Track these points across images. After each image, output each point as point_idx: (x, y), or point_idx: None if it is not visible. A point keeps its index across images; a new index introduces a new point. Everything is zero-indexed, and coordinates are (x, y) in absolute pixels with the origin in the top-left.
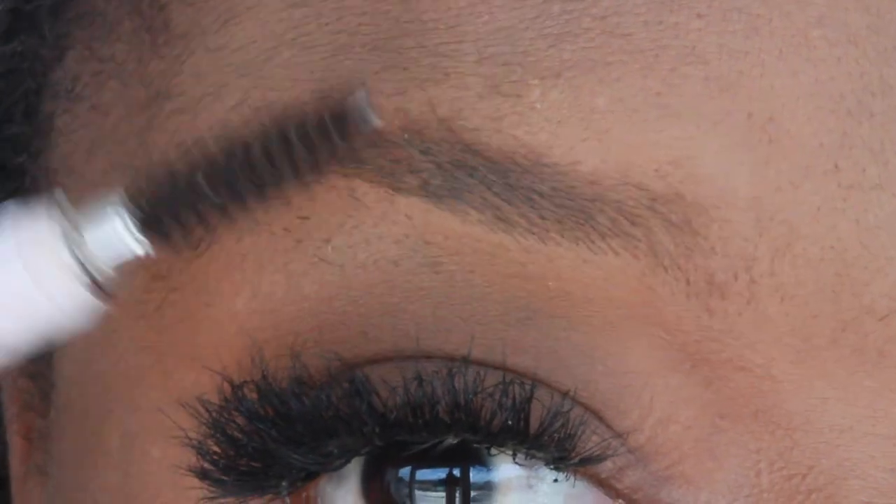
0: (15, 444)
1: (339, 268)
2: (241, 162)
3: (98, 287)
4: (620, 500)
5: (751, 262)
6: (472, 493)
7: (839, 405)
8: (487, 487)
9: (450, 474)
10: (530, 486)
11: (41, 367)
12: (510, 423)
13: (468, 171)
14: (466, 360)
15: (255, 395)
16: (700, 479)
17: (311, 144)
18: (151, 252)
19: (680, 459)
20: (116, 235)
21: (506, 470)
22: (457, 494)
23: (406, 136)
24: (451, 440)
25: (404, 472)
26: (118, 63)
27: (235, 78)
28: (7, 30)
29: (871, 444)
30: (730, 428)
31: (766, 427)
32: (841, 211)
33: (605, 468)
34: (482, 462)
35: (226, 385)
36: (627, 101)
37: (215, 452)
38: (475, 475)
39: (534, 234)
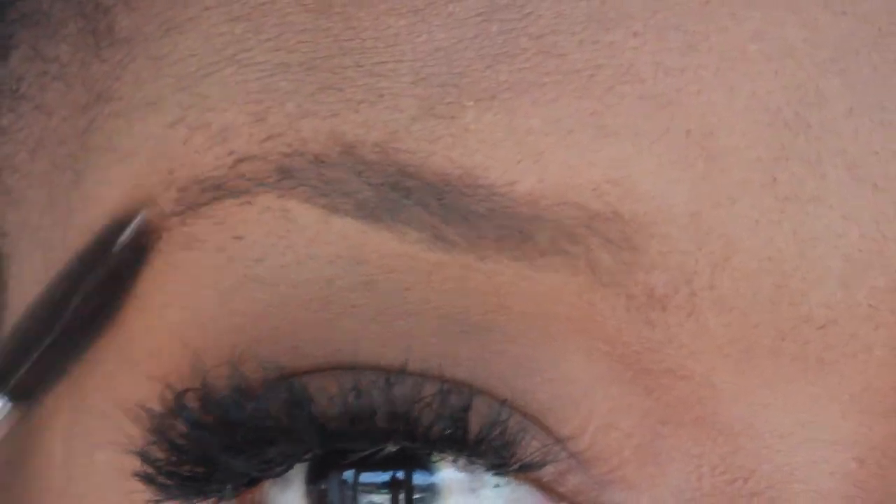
0: None
1: (272, 286)
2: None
3: None
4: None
5: (691, 276)
6: (416, 496)
7: (780, 412)
8: (431, 490)
9: (393, 477)
10: (473, 490)
11: None
12: (448, 431)
13: (404, 193)
14: (403, 371)
15: (196, 404)
16: (642, 484)
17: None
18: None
19: (621, 465)
20: None
21: (448, 473)
22: (401, 497)
23: (340, 158)
24: (391, 448)
25: (348, 475)
26: (62, 64)
27: (173, 91)
28: None
29: (812, 448)
30: (671, 434)
31: (708, 433)
32: (778, 223)
33: (547, 472)
34: (424, 466)
35: (167, 392)
36: (563, 121)
37: (158, 458)
38: (418, 478)
39: (472, 252)
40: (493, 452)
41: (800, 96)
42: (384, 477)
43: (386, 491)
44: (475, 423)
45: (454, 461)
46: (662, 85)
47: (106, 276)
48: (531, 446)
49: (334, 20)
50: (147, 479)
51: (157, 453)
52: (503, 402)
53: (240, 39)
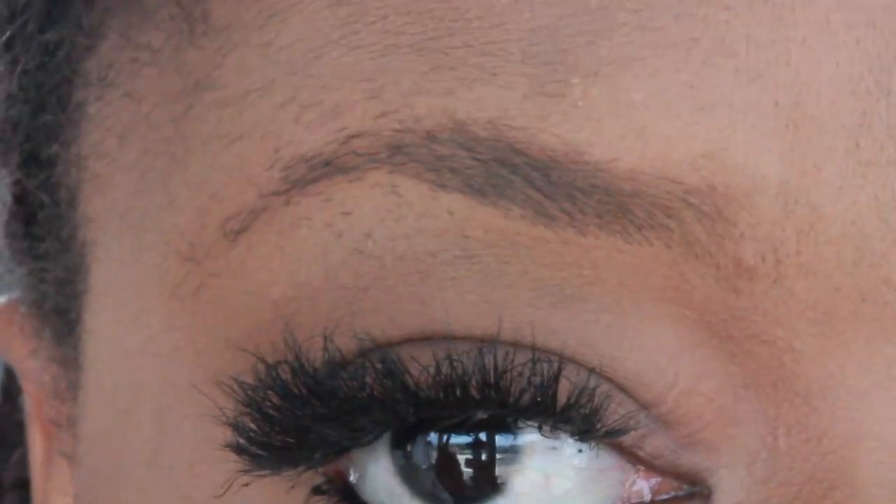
0: (38, 431)
1: (378, 259)
2: None
3: None
4: (640, 466)
5: (777, 245)
6: (499, 456)
7: (857, 372)
8: (513, 450)
9: (476, 438)
10: (554, 449)
11: (68, 350)
12: (539, 399)
13: (511, 169)
14: (495, 341)
15: (289, 376)
16: (720, 445)
17: None
18: None
19: (702, 427)
20: None
21: (531, 436)
22: (483, 458)
23: (452, 134)
24: (481, 415)
25: (433, 437)
26: (154, 51)
27: (283, 75)
28: (43, 19)
29: (887, 407)
30: (751, 398)
31: (785, 396)
32: (860, 188)
33: (629, 437)
34: (507, 429)
35: (260, 365)
36: (662, 95)
37: (251, 429)
38: (501, 440)
39: (573, 227)
40: (581, 420)
41: (880, 64)
42: (467, 439)
43: (469, 451)
44: (563, 392)
45: (539, 428)
46: (753, 57)
47: None
48: (616, 413)
49: (437, 2)
50: (238, 450)
51: (250, 424)
52: (591, 370)
53: (345, 23)
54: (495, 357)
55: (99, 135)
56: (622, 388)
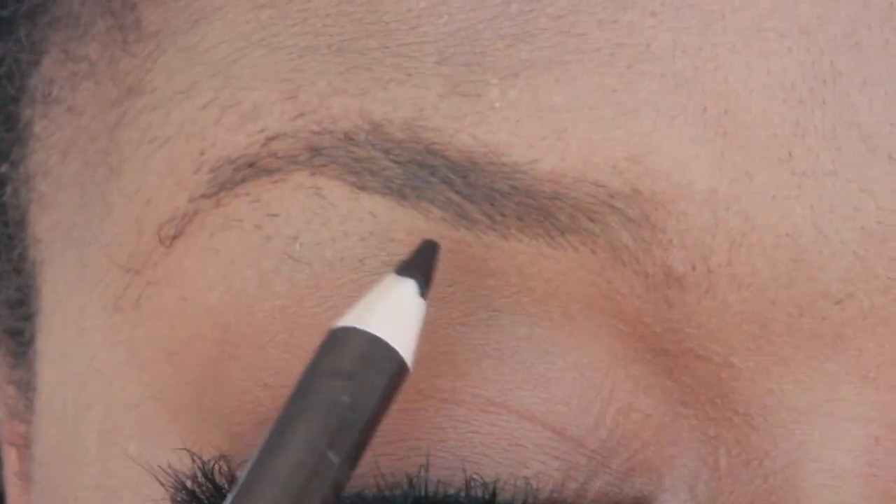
0: (7, 452)
1: (308, 265)
2: None
3: None
4: None
5: (708, 253)
6: None
7: (797, 390)
8: None
9: None
10: None
11: (23, 373)
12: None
13: (429, 171)
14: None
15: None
16: (661, 467)
17: None
18: None
19: (641, 448)
20: None
21: None
22: None
23: (368, 136)
24: None
25: None
26: (91, 63)
27: (206, 77)
28: None
29: (829, 426)
30: (690, 416)
31: (724, 414)
32: (795, 198)
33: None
34: None
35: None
36: (584, 98)
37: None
38: None
39: (495, 230)
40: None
41: (814, 72)
42: None
43: None
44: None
45: None
46: (680, 63)
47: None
48: (553, 473)
49: (356, 4)
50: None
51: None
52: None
53: (266, 25)
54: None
55: (44, 153)
56: (556, 431)
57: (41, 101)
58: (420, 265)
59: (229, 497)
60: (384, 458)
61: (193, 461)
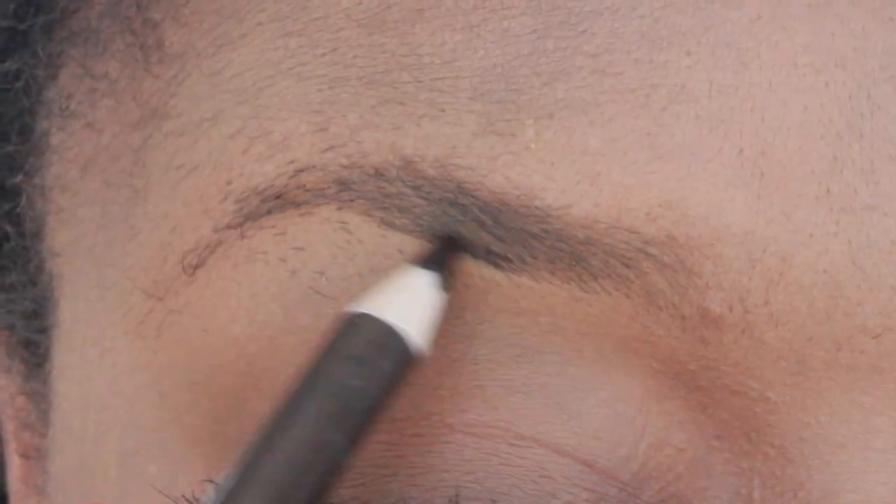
0: (13, 462)
1: (334, 300)
2: None
3: None
4: None
5: (745, 294)
6: None
7: (833, 422)
8: None
9: None
10: None
11: (38, 385)
12: None
13: (460, 210)
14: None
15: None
16: (693, 499)
17: None
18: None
19: (674, 480)
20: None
21: None
22: None
23: (399, 172)
24: None
25: None
26: (111, 81)
27: (233, 105)
28: (1, 49)
29: (865, 458)
30: (725, 448)
31: (759, 447)
32: (833, 235)
33: None
34: None
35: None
36: (619, 142)
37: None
38: None
39: (526, 272)
40: None
41: (851, 106)
42: None
43: None
44: None
45: None
46: (716, 104)
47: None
48: (581, 498)
49: (389, 35)
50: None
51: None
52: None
53: (295, 54)
54: None
55: (62, 166)
56: (586, 463)
57: (59, 114)
58: (440, 259)
59: (236, 470)
60: (413, 490)
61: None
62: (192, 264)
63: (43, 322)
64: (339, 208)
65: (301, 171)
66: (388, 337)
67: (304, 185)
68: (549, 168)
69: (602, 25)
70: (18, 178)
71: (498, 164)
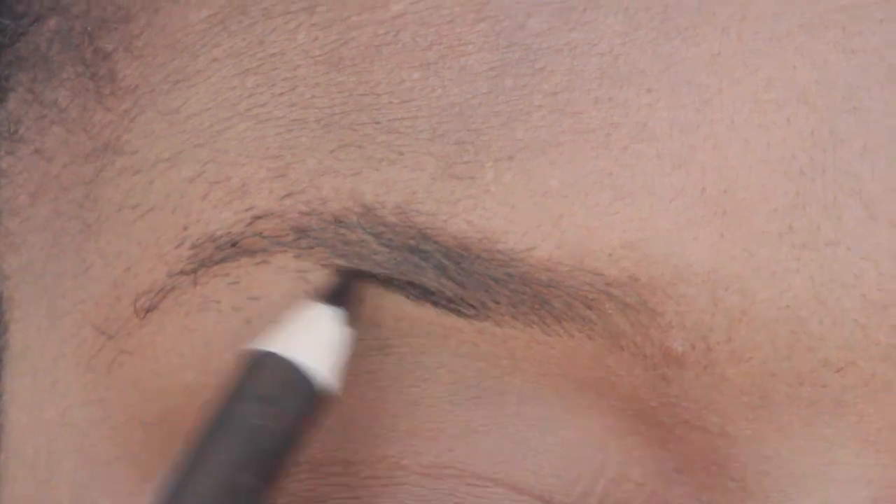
0: None
1: None
2: None
3: None
4: None
5: (707, 332)
6: None
7: (795, 455)
8: None
9: None
10: None
11: None
12: None
13: (422, 256)
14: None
15: None
16: None
17: None
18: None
19: None
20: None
21: None
22: None
23: (360, 219)
24: None
25: None
26: (61, 109)
27: (191, 147)
28: None
29: (826, 490)
30: (684, 482)
31: (720, 480)
32: (795, 271)
33: None
34: None
35: None
36: (580, 182)
37: None
38: None
39: (488, 318)
40: None
41: (814, 140)
42: None
43: None
44: None
45: None
46: (678, 142)
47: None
48: None
49: (346, 74)
50: None
51: None
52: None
53: (252, 93)
54: None
55: (11, 190)
56: (544, 500)
57: (7, 137)
58: (344, 294)
59: None
60: None
61: None
62: (144, 307)
63: None
64: (297, 256)
65: (259, 217)
66: (295, 376)
67: (262, 233)
68: (511, 211)
69: (560, 63)
70: None
71: (458, 208)
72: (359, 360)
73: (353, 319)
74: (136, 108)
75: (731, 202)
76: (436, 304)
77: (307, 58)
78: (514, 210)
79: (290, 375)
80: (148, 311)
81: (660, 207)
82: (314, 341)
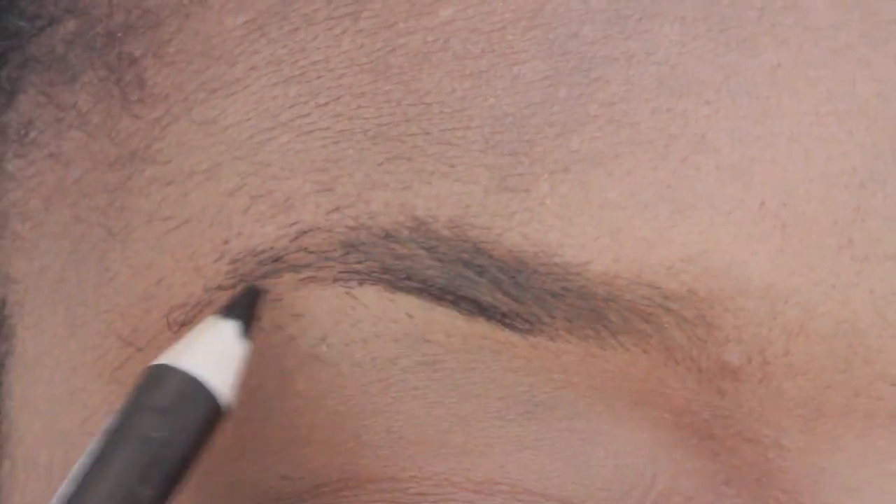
0: None
1: (334, 366)
2: None
3: None
4: None
5: (765, 346)
6: None
7: (848, 467)
8: None
9: None
10: None
11: None
12: None
13: (476, 270)
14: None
15: None
16: None
17: None
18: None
19: None
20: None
21: None
22: None
23: (411, 234)
24: None
25: None
26: (81, 113)
27: (230, 159)
28: None
29: (881, 501)
30: (734, 495)
31: (771, 492)
32: (855, 285)
33: None
34: None
35: None
36: (638, 195)
37: None
38: None
39: (543, 332)
40: None
41: (875, 153)
42: None
43: None
44: None
45: None
46: (737, 154)
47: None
48: None
49: (394, 82)
50: None
51: None
52: None
53: (295, 103)
54: None
55: (21, 194)
56: None
57: (16, 139)
58: (242, 308)
59: None
60: None
61: None
62: (178, 321)
63: None
64: (344, 271)
65: (305, 232)
66: (190, 386)
67: (308, 248)
68: (567, 224)
69: (616, 72)
70: None
71: (513, 221)
72: (405, 376)
73: (250, 331)
74: (168, 117)
75: (791, 215)
76: (489, 318)
77: (352, 66)
78: (571, 223)
79: (185, 386)
80: (182, 324)
81: (719, 220)
82: (210, 353)
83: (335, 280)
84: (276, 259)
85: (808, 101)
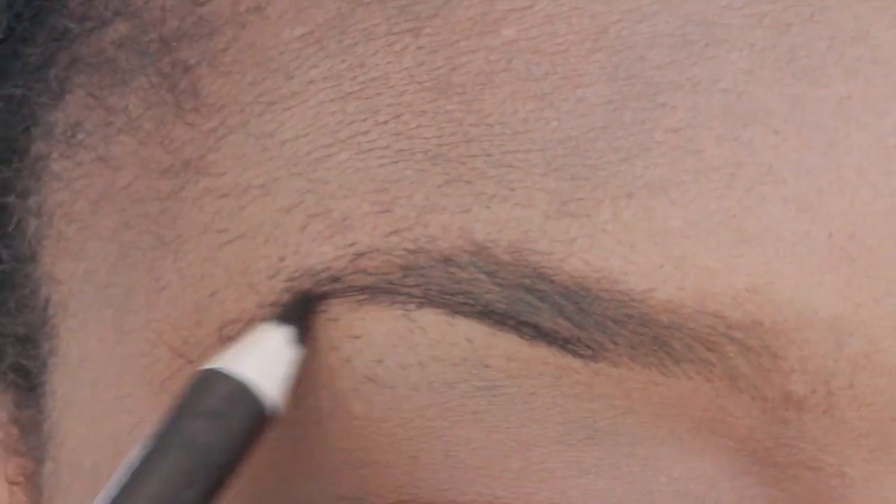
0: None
1: (390, 389)
2: None
3: None
4: None
5: (830, 377)
6: None
7: None
8: None
9: None
10: None
11: (31, 412)
12: None
13: (538, 296)
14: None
15: None
16: None
17: None
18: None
19: None
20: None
21: None
22: None
23: (471, 258)
24: None
25: None
26: (132, 118)
27: (287, 175)
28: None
29: None
30: None
31: None
32: None
33: None
34: None
35: None
36: (703, 223)
37: None
38: None
39: (605, 359)
40: None
41: None
42: None
43: None
44: None
45: None
46: (804, 185)
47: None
48: None
49: (455, 102)
50: None
51: None
52: None
53: (354, 120)
54: None
55: (67, 195)
56: None
57: (63, 140)
58: (295, 314)
59: None
60: None
61: None
62: (230, 335)
63: (37, 348)
64: (403, 294)
65: (363, 254)
66: (239, 391)
67: (366, 270)
68: (630, 251)
69: (682, 99)
70: (10, 199)
71: (574, 247)
72: (464, 401)
73: (304, 338)
74: (223, 128)
75: (858, 248)
76: (550, 344)
77: (413, 83)
78: (634, 250)
79: (234, 391)
80: (235, 340)
81: (785, 251)
82: (260, 359)
83: (393, 303)
84: (335, 279)
85: (876, 134)
